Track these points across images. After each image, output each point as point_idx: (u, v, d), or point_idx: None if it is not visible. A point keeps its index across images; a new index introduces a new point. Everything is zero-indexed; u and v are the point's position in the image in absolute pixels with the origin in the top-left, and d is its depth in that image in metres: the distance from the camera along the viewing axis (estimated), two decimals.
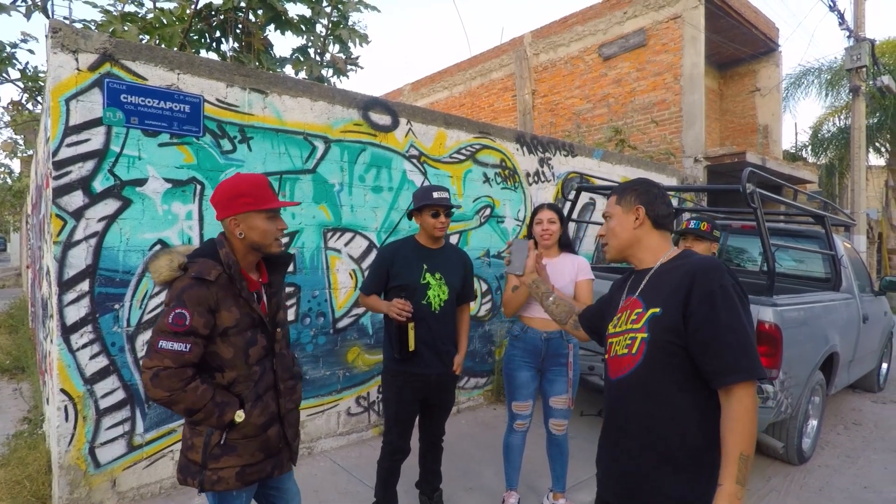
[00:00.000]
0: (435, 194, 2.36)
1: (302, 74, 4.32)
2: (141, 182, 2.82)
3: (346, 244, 3.68)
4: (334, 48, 4.31)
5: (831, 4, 7.55)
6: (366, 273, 2.59)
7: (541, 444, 2.96)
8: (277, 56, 4.23)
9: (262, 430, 1.61)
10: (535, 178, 5.11)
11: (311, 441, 3.53)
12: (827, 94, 12.68)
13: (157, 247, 2.86)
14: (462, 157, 4.43)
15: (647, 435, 1.36)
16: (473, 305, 4.52)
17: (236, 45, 3.96)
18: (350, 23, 4.24)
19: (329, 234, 3.60)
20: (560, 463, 2.79)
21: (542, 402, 2.78)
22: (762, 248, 3.39)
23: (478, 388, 4.59)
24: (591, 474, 3.24)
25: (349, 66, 4.37)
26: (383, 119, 3.88)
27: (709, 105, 10.36)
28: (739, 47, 9.92)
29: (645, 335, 1.37)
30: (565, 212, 4.60)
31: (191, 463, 1.58)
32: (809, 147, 14.69)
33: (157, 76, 2.85)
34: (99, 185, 2.69)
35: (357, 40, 4.17)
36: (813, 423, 3.77)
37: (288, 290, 3.42)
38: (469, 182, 4.48)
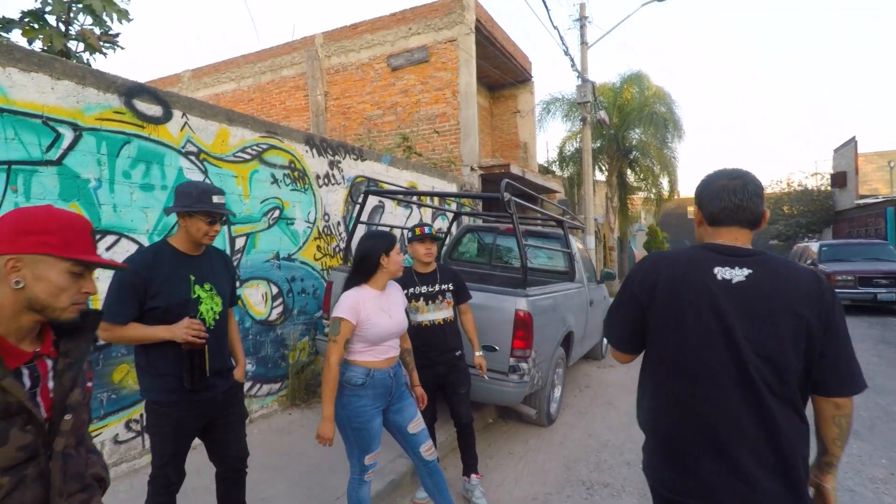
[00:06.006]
0: (215, 199, 2.07)
1: (38, 45, 3.56)
2: None
3: (108, 248, 3.19)
4: (84, 19, 3.64)
5: (565, 50, 9.39)
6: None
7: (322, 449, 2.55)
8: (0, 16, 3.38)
9: None
10: (326, 181, 5.17)
11: None
12: (567, 121, 15.62)
13: None
14: (248, 157, 4.23)
15: None
16: (263, 310, 4.36)
17: None
18: None
19: None
20: (444, 497, 2.54)
21: (396, 435, 2.53)
22: (517, 247, 4.06)
23: (271, 394, 4.44)
24: None
25: (106, 44, 3.75)
26: (152, 109, 3.47)
27: (482, 121, 11.80)
28: (502, 74, 11.54)
29: None
30: (353, 214, 4.75)
31: None
32: (557, 163, 17.86)
33: None
34: None
35: (115, 15, 3.60)
36: (558, 390, 4.64)
37: None
38: (256, 183, 4.30)
